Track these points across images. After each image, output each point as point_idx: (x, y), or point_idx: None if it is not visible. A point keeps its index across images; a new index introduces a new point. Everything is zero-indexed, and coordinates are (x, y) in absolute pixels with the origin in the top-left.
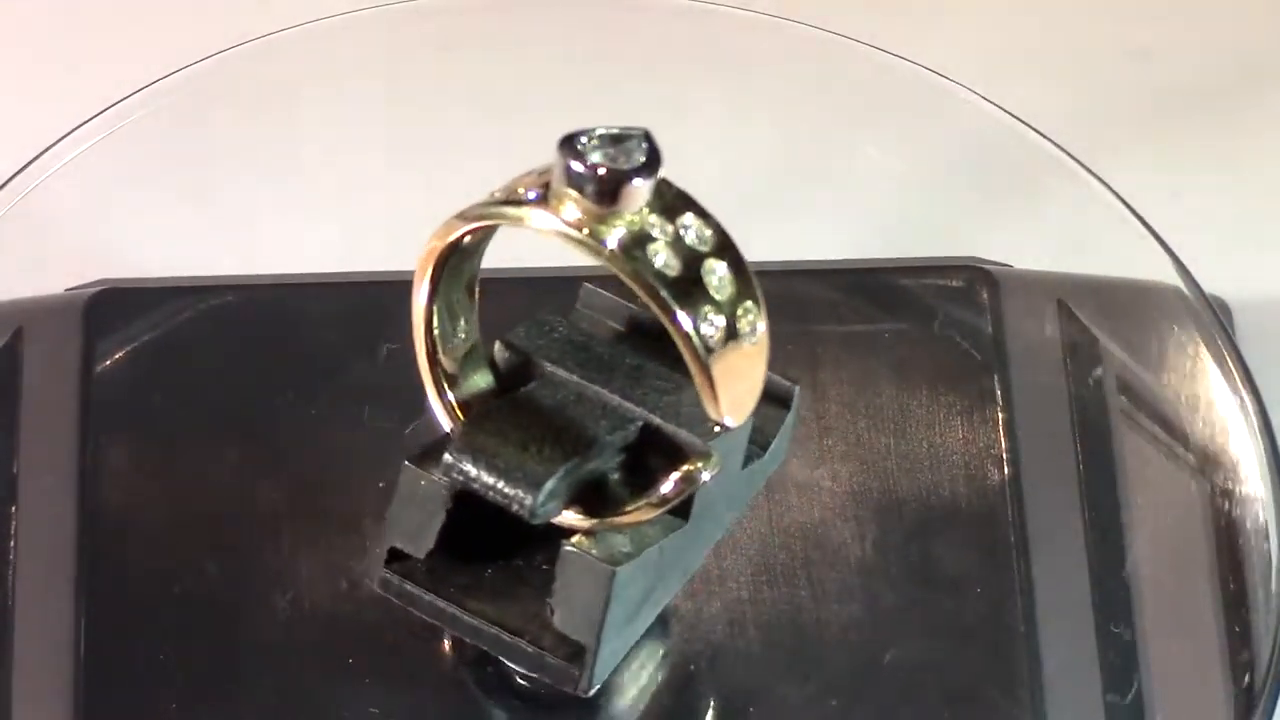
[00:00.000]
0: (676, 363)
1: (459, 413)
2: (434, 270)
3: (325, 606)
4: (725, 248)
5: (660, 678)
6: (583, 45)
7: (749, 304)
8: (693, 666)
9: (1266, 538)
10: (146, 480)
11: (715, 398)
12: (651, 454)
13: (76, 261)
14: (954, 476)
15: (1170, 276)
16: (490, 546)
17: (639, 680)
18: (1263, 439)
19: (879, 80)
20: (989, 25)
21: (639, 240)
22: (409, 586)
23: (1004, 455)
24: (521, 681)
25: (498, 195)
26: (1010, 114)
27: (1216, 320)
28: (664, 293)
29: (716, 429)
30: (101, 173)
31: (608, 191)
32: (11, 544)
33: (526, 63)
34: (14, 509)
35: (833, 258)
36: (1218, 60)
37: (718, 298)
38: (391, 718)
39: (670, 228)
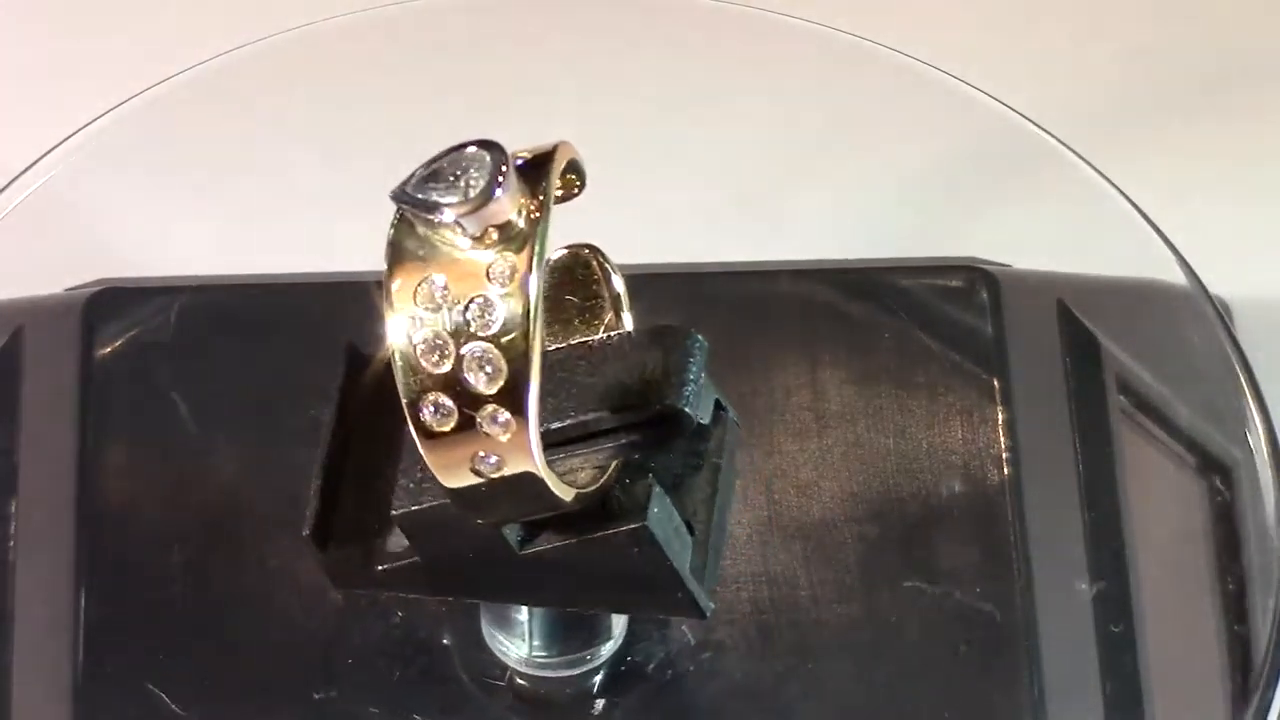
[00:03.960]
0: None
1: None
2: None
3: (325, 606)
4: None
5: (659, 678)
6: (580, 44)
7: None
8: (692, 667)
9: (1266, 538)
10: (146, 480)
11: None
12: None
13: (76, 261)
14: (954, 476)
15: (1171, 275)
16: None
17: (638, 680)
18: (1263, 439)
19: (879, 76)
20: (990, 23)
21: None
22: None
23: (1004, 455)
24: (521, 681)
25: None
26: (1012, 109)
27: (1218, 319)
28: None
29: None
30: (101, 173)
31: (490, 195)
32: (11, 544)
33: (526, 62)
34: (13, 508)
35: (832, 257)
36: (1218, 59)
37: None
38: (392, 718)
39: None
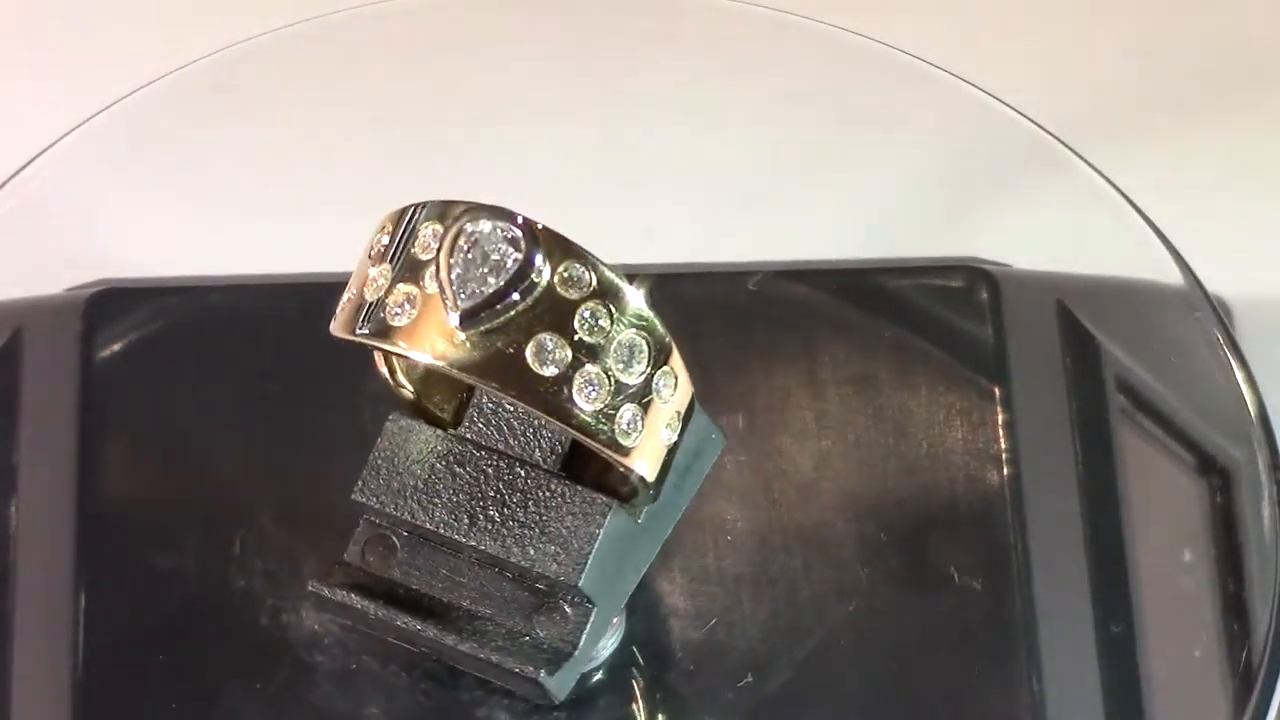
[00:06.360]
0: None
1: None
2: None
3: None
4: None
5: (658, 677)
6: (580, 45)
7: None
8: (692, 666)
9: (1266, 538)
10: (146, 479)
11: None
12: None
13: (76, 261)
14: (954, 476)
15: (1171, 275)
16: None
17: (638, 681)
18: (1263, 439)
19: (880, 75)
20: (990, 22)
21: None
22: None
23: (1004, 455)
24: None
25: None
26: (1012, 108)
27: (1217, 319)
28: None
29: None
30: (101, 173)
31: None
32: (11, 544)
33: (525, 62)
34: (14, 508)
35: (832, 257)
36: (1218, 59)
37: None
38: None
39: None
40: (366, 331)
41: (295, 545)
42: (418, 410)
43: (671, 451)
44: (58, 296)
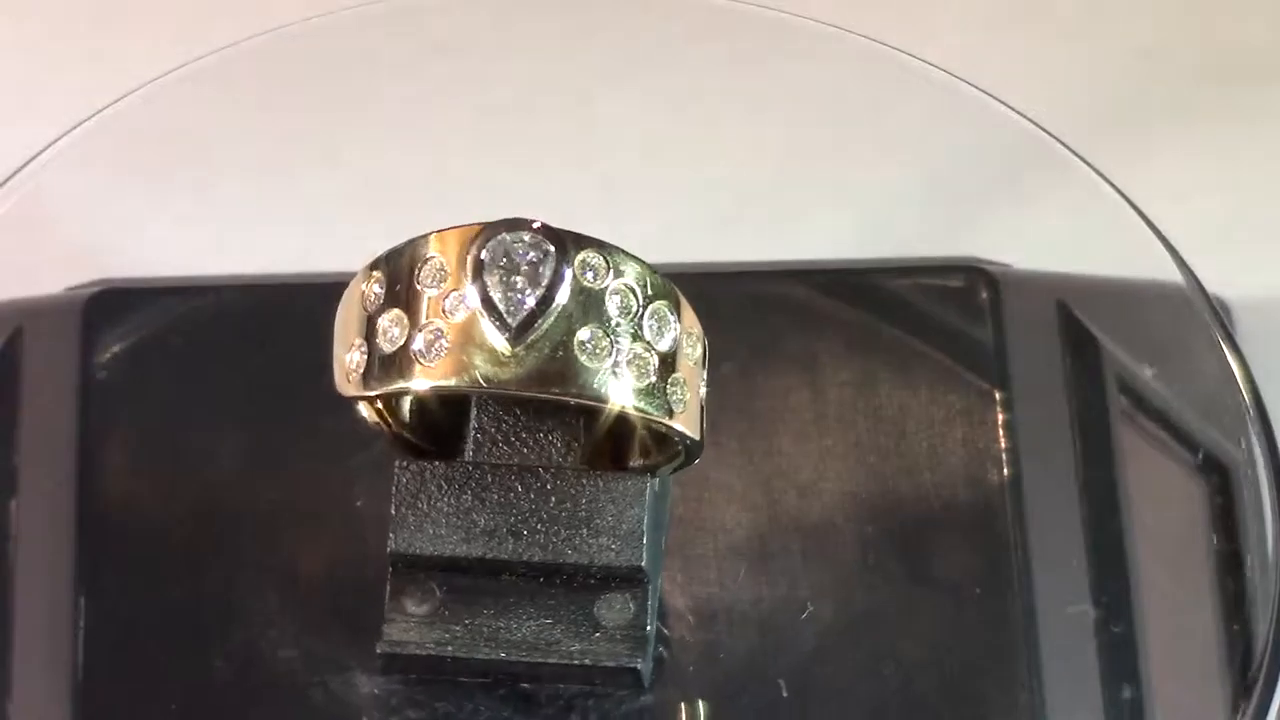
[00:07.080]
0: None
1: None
2: None
3: (326, 607)
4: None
5: (659, 678)
6: (581, 44)
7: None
8: (691, 667)
9: (1266, 538)
10: (146, 480)
11: None
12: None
13: (76, 261)
14: (954, 476)
15: (1171, 275)
16: None
17: (636, 679)
18: (1263, 439)
19: (880, 76)
20: (990, 23)
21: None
22: None
23: (1004, 455)
24: (525, 685)
25: None
26: (1012, 109)
27: (1217, 319)
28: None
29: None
30: (101, 172)
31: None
32: (11, 544)
33: (526, 62)
34: (13, 509)
35: (831, 257)
36: (1218, 59)
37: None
38: (395, 718)
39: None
40: (399, 378)
41: (295, 544)
42: (411, 448)
43: (704, 407)
44: (58, 296)
